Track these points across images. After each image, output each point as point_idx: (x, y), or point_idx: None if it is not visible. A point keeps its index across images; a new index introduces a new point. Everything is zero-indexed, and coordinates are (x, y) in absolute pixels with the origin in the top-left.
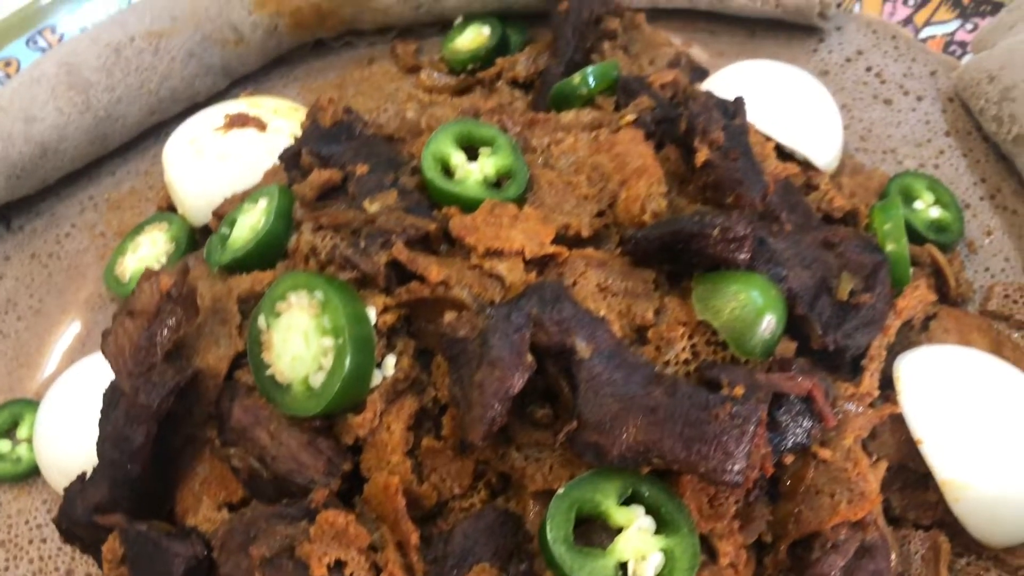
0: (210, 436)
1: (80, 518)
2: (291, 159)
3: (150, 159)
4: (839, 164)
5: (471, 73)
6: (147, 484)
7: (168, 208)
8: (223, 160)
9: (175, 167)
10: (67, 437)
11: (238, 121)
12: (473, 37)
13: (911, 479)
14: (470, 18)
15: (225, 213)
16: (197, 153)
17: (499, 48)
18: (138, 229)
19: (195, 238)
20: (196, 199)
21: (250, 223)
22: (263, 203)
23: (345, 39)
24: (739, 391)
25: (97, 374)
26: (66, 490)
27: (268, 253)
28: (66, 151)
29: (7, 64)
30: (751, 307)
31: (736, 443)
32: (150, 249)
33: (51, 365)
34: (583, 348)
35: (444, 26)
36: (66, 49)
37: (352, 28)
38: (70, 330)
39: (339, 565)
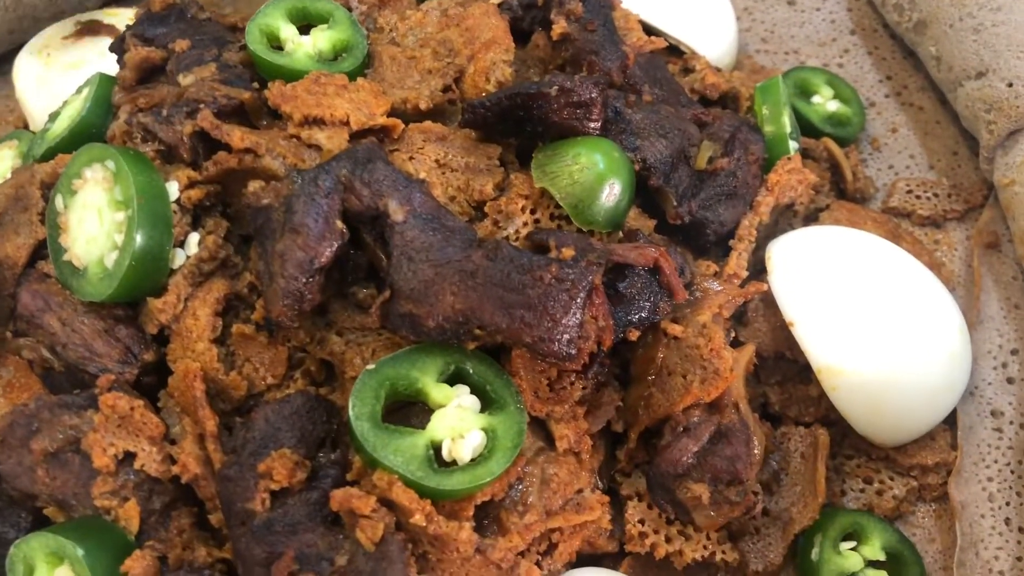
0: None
1: None
2: (118, 47)
3: (11, 81)
4: (737, 63)
5: None
6: None
7: (24, 127)
8: (74, 69)
9: (23, 78)
10: None
11: (89, 30)
12: None
13: (790, 372)
14: None
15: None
16: (45, 64)
17: None
18: None
19: None
20: (44, 111)
21: (69, 114)
22: (84, 91)
23: None
24: (568, 253)
25: None
26: None
27: (84, 141)
28: None
29: None
30: (592, 171)
31: (564, 309)
32: None
33: None
34: (396, 211)
35: None
36: None
37: None
38: None
39: (129, 458)
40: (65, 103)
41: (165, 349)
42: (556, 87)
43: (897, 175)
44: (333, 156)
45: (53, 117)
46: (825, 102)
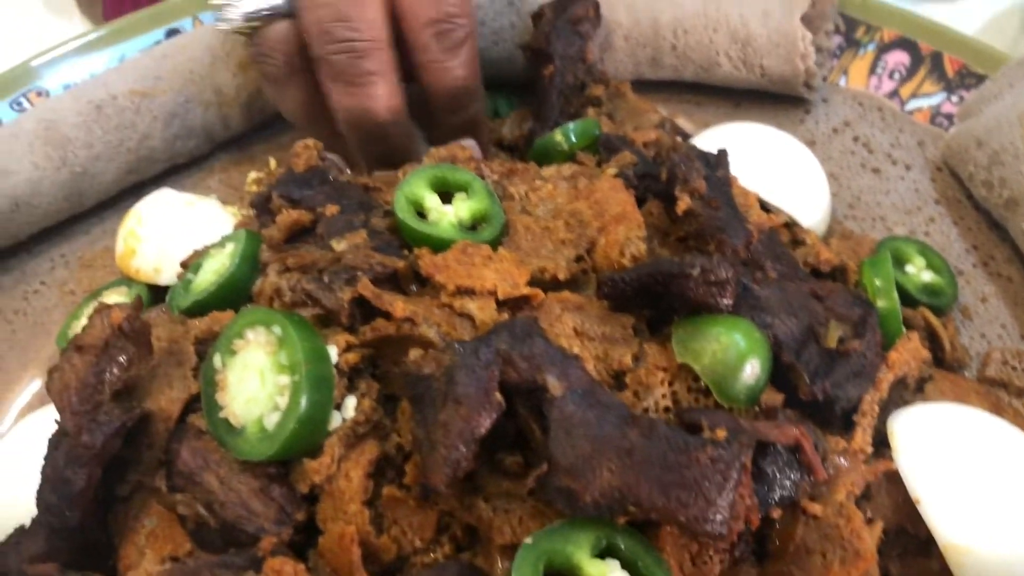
0: (158, 483)
1: (12, 571)
2: (261, 204)
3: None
4: (828, 230)
5: None
6: (88, 535)
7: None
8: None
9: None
10: (13, 494)
11: None
12: None
13: (911, 545)
14: None
15: (191, 263)
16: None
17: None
18: (96, 292)
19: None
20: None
21: (215, 267)
22: (230, 247)
23: None
24: (721, 434)
25: (48, 428)
26: (1, 544)
27: (231, 296)
28: (39, 206)
29: None
30: (734, 350)
31: (718, 490)
32: None
33: (7, 422)
34: (555, 386)
35: None
36: (46, 106)
37: None
38: (29, 388)
39: None
40: (206, 255)
41: (313, 507)
42: (698, 268)
43: (990, 344)
44: (491, 329)
45: (194, 268)
46: (919, 272)
